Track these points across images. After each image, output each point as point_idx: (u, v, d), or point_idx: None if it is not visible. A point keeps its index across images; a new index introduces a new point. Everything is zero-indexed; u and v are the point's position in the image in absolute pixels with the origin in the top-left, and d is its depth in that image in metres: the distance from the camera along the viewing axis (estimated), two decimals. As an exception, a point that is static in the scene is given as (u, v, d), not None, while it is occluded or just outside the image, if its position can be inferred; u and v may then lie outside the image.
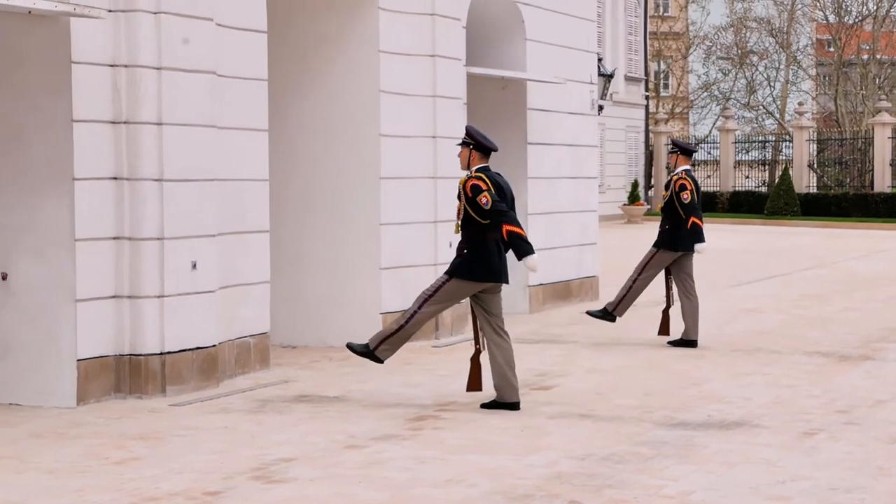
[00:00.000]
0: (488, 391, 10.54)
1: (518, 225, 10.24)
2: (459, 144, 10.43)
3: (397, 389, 11.24)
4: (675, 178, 14.18)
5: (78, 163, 10.39)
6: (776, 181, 46.32)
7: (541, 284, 17.35)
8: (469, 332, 14.98)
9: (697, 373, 12.20)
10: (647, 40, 52.62)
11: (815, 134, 48.53)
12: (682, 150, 14.45)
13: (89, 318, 10.49)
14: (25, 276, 10.51)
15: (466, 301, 10.70)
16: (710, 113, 59.18)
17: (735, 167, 49.29)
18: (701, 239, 14.21)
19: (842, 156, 47.49)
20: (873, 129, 45.29)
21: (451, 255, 14.66)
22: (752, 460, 8.50)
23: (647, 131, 51.12)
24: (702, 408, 10.38)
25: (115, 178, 10.72)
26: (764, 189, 48.26)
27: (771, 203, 44.14)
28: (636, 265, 14.31)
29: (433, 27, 14.35)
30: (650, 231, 36.55)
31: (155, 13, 10.76)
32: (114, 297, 10.72)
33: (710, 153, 51.27)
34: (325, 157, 13.96)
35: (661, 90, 59.01)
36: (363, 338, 13.43)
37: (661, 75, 59.68)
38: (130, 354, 10.78)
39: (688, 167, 14.31)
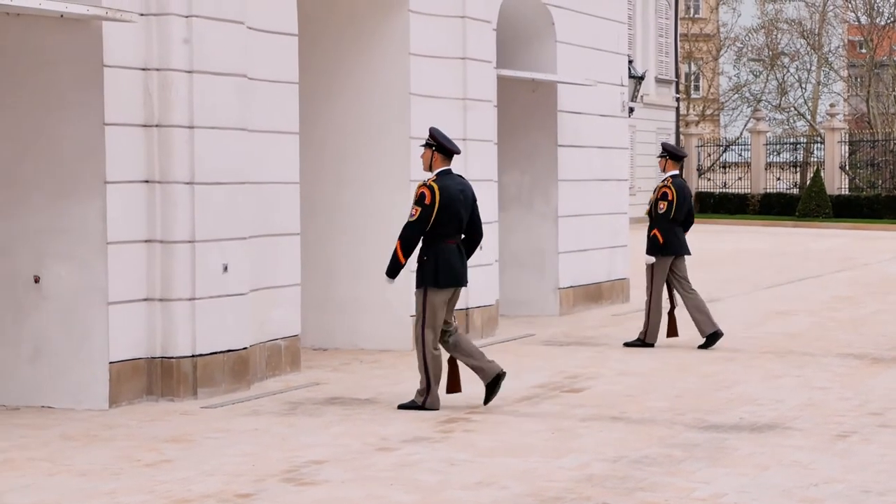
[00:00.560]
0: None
1: (407, 248, 10.27)
2: (422, 146, 10.53)
3: (428, 392, 11.22)
4: (660, 185, 14.24)
5: (110, 166, 10.43)
6: (808, 183, 46.11)
7: (571, 287, 17.32)
8: (499, 334, 15.00)
9: (729, 375, 12.16)
10: (678, 42, 52.46)
11: (847, 136, 48.30)
12: (672, 154, 14.43)
13: (121, 320, 10.53)
14: (58, 279, 10.56)
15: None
16: (741, 115, 58.95)
17: (766, 169, 49.11)
18: (656, 250, 13.98)
19: (874, 157, 47.26)
20: (905, 131, 45.09)
21: (481, 257, 14.73)
22: (785, 463, 8.46)
23: (677, 133, 50.95)
24: (733, 410, 10.34)
25: (147, 182, 10.76)
26: (795, 191, 48.06)
27: (802, 205, 43.97)
28: (645, 287, 14.19)
29: (464, 29, 14.35)
30: (681, 233, 36.40)
31: (186, 17, 10.80)
32: (145, 299, 10.76)
33: (741, 155, 51.09)
34: (355, 160, 13.97)
35: (692, 92, 58.85)
36: (392, 341, 13.49)
37: (692, 77, 59.52)
38: (162, 357, 10.82)
39: (676, 172, 14.30)
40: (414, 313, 13.62)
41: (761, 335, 15.15)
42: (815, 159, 50.12)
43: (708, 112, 58.71)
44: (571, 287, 17.36)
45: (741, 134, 55.34)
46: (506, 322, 15.93)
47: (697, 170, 50.72)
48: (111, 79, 10.42)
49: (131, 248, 10.64)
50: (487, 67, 14.84)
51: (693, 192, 49.85)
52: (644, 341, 14.06)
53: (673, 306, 14.24)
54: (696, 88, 60.03)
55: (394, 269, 10.38)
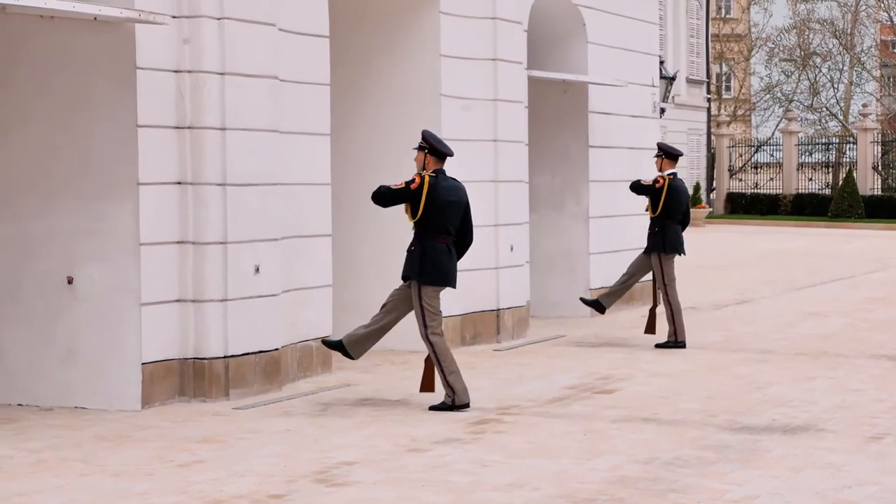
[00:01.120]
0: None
1: (377, 199, 10.58)
2: (415, 148, 10.72)
3: (459, 393, 11.22)
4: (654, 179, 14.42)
5: (142, 168, 10.48)
6: (840, 183, 45.90)
7: (602, 288, 17.26)
8: (531, 335, 14.99)
9: (761, 376, 12.12)
10: (709, 42, 52.31)
11: (880, 136, 48.07)
12: (667, 153, 14.50)
13: (154, 321, 10.57)
14: (91, 280, 10.61)
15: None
16: (772, 115, 58.80)
17: (798, 169, 48.89)
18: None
19: (906, 157, 47.02)
20: (938, 131, 44.83)
21: (512, 258, 14.75)
22: (818, 465, 8.42)
23: (708, 134, 50.81)
24: (766, 412, 10.31)
25: (179, 183, 10.80)
26: (827, 191, 47.84)
27: (835, 205, 43.78)
28: (658, 289, 14.36)
29: (494, 31, 14.35)
30: (712, 234, 36.43)
31: (218, 19, 10.83)
32: (178, 300, 10.80)
33: (772, 155, 50.88)
34: (385, 161, 13.96)
35: (723, 92, 58.69)
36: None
37: (723, 77, 59.35)
38: (194, 358, 10.86)
39: (672, 171, 14.37)
40: (444, 314, 13.73)
41: (794, 336, 15.09)
42: (848, 159, 49.87)
43: (739, 112, 58.52)
44: (602, 288, 17.30)
45: (773, 134, 55.16)
46: (537, 323, 15.93)
47: (729, 170, 50.54)
48: (144, 81, 10.47)
49: (164, 250, 10.68)
50: (518, 68, 14.84)
51: (724, 192, 49.76)
52: (676, 341, 14.06)
53: (655, 304, 14.47)
54: (728, 89, 59.85)
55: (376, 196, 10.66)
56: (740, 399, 10.91)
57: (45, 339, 10.76)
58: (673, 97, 44.12)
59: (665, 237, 14.16)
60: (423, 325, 10.49)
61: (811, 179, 49.27)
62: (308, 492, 7.75)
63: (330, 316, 12.32)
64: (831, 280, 22.88)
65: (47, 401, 10.70)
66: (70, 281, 10.65)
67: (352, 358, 10.80)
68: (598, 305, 14.70)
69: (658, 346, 14.08)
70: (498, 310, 14.49)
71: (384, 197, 10.55)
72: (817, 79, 57.60)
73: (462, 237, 10.72)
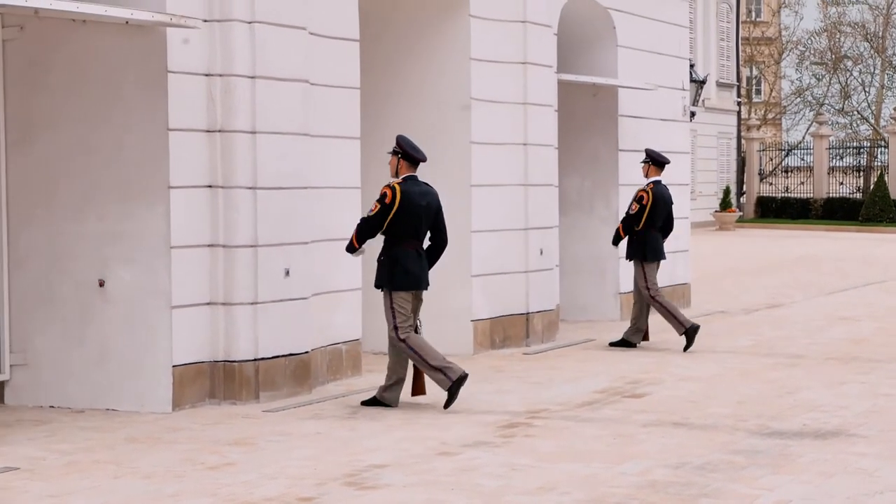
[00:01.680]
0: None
1: (361, 238, 10.63)
2: (389, 153, 10.81)
3: (489, 397, 11.23)
4: (640, 190, 14.48)
5: (173, 171, 10.52)
6: (871, 187, 45.68)
7: (632, 291, 17.22)
8: (560, 339, 14.97)
9: (792, 381, 12.07)
10: (740, 46, 52.16)
11: (912, 139, 47.78)
12: (654, 160, 14.48)
13: (184, 324, 10.61)
14: (122, 283, 10.65)
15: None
16: (803, 119, 58.52)
17: (829, 173, 48.69)
18: (617, 241, 14.69)
19: (939, 161, 46.71)
20: (970, 134, 44.53)
21: (541, 261, 14.74)
22: (849, 470, 8.39)
23: (738, 137, 50.66)
24: (797, 416, 10.26)
25: (210, 187, 10.83)
26: (859, 195, 47.62)
27: (866, 209, 43.57)
28: (641, 295, 14.42)
29: (524, 34, 14.34)
30: (742, 238, 36.32)
31: (249, 23, 10.86)
32: (208, 303, 10.83)
33: (803, 159, 50.69)
34: (415, 165, 13.96)
35: (754, 96, 58.46)
36: (452, 345, 13.45)
37: (754, 81, 59.11)
38: (225, 361, 10.89)
39: (658, 178, 14.39)
40: (474, 318, 13.76)
41: (825, 341, 15.03)
42: (879, 163, 49.59)
43: (770, 116, 58.28)
44: (632, 292, 17.26)
45: (803, 138, 54.91)
46: (566, 327, 15.91)
47: (759, 174, 50.37)
48: (175, 84, 10.51)
49: (194, 253, 10.72)
50: (548, 72, 14.82)
51: (754, 196, 49.59)
52: (687, 332, 14.02)
53: (646, 330, 14.52)
54: (758, 92, 59.62)
55: (350, 249, 10.76)
56: (771, 404, 10.87)
57: (77, 342, 10.81)
58: (703, 101, 44.01)
59: (646, 244, 14.27)
60: (394, 328, 10.63)
61: (842, 183, 49.03)
62: (338, 495, 7.76)
63: (359, 319, 12.34)
64: (863, 284, 22.78)
65: (79, 403, 10.76)
66: (101, 283, 10.70)
67: (391, 406, 10.78)
68: (627, 344, 14.48)
69: (685, 348, 14.03)
70: (527, 313, 14.48)
71: (370, 228, 10.57)
72: (848, 82, 57.33)
73: (436, 241, 10.84)
